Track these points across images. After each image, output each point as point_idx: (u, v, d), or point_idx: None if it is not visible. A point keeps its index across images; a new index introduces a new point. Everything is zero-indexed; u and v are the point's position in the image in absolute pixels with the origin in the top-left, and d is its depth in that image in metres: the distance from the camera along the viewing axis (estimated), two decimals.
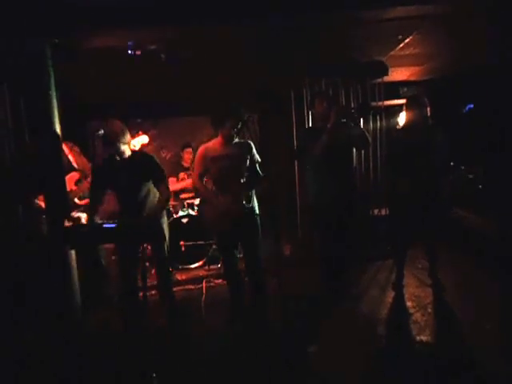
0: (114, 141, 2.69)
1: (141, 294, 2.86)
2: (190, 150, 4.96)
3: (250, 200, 2.98)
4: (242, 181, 2.95)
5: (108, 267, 3.76)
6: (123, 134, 2.73)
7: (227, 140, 2.93)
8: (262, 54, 3.84)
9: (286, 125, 5.11)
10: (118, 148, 2.74)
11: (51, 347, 2.49)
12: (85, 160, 3.40)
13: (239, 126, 2.88)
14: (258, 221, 3.05)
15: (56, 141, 2.60)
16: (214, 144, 3.00)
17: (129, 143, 2.82)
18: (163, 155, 5.73)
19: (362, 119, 4.50)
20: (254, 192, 3.07)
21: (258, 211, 3.06)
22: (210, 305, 3.41)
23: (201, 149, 3.02)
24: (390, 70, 4.55)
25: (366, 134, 3.36)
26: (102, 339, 2.82)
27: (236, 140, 2.98)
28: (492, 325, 2.75)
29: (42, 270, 2.64)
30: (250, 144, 3.03)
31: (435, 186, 3.25)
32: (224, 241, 3.11)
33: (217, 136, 3.00)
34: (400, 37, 3.54)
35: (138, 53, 3.03)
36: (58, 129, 2.60)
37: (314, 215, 3.52)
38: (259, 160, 3.07)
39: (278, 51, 3.78)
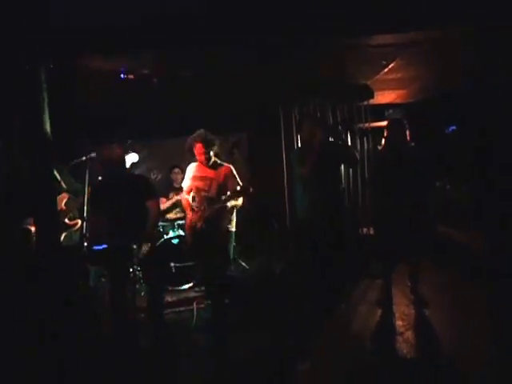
0: (112, 165, 2.80)
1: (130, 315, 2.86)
2: (177, 170, 4.99)
3: (219, 219, 3.14)
4: (212, 202, 3.13)
5: (96, 288, 3.70)
6: (120, 159, 2.86)
7: (203, 163, 3.23)
8: (252, 75, 3.95)
9: (275, 144, 5.19)
10: (115, 172, 2.82)
11: (42, 367, 2.42)
12: (73, 181, 3.41)
13: (212, 151, 3.17)
14: (230, 237, 3.23)
15: (48, 163, 2.61)
16: (197, 164, 3.32)
17: (125, 167, 2.93)
18: (153, 176, 5.74)
19: (349, 138, 4.65)
20: (233, 212, 3.25)
21: (233, 229, 3.26)
22: (201, 327, 3.37)
23: (189, 166, 3.40)
24: (376, 93, 4.72)
25: (354, 151, 3.49)
26: (89, 361, 2.75)
27: (218, 162, 3.27)
28: (481, 340, 2.79)
29: (32, 292, 2.59)
30: (229, 169, 3.25)
31: (417, 205, 3.34)
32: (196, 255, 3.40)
33: None
34: (384, 62, 3.70)
35: (131, 77, 3.09)
36: (49, 150, 2.60)
37: (301, 231, 3.58)
38: (239, 183, 3.20)
39: (268, 73, 3.89)
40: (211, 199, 3.14)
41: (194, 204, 3.24)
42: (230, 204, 3.11)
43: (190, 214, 3.27)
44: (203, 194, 3.19)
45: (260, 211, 5.33)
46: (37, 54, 2.52)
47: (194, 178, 3.29)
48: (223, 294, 3.25)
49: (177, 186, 4.97)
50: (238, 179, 3.27)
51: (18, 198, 2.87)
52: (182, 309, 3.78)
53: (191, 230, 3.26)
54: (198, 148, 3.16)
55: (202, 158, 3.18)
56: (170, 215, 4.75)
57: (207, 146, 3.15)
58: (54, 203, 2.70)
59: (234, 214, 3.31)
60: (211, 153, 3.19)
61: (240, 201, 3.24)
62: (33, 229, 2.90)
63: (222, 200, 3.08)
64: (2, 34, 2.48)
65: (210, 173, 3.23)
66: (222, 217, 3.18)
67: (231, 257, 3.29)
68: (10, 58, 2.54)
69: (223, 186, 3.18)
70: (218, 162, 3.30)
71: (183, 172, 4.90)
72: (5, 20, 2.46)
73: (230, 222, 3.26)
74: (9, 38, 2.48)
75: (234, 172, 3.27)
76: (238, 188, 3.09)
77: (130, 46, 2.75)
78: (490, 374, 2.43)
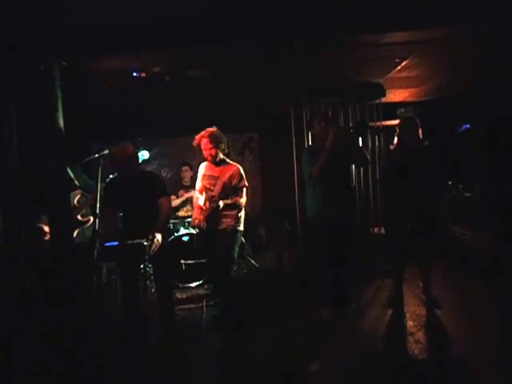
0: (124, 162, 2.82)
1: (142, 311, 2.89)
2: (187, 167, 5.01)
3: (217, 218, 3.12)
4: (217, 201, 3.09)
5: (109, 285, 3.75)
6: (132, 157, 2.87)
7: (210, 161, 3.23)
8: (263, 74, 3.95)
9: (286, 144, 5.18)
10: (127, 169, 2.84)
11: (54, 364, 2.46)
12: (86, 178, 3.45)
13: (218, 149, 3.15)
14: (235, 236, 3.18)
15: (61, 160, 2.64)
16: (207, 163, 3.31)
17: (138, 165, 2.94)
18: (164, 174, 5.78)
19: (360, 138, 4.61)
20: (240, 211, 3.22)
21: (240, 228, 3.23)
22: (210, 324, 3.38)
23: (200, 165, 3.38)
24: (388, 91, 4.67)
25: (365, 151, 3.45)
26: (100, 357, 2.78)
27: (226, 160, 3.24)
28: (493, 341, 2.77)
29: (46, 290, 2.63)
30: (235, 168, 3.21)
31: (429, 204, 3.30)
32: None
33: None
34: (397, 60, 3.66)
35: (143, 75, 3.11)
36: (63, 148, 2.64)
37: (311, 231, 3.56)
38: (246, 185, 3.23)
39: (279, 72, 3.88)
40: (215, 198, 3.13)
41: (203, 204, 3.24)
42: (222, 202, 3.09)
43: (197, 213, 3.25)
44: (209, 192, 3.18)
45: (271, 211, 5.33)
46: (50, 52, 2.56)
47: (203, 176, 3.29)
48: (231, 292, 3.23)
49: (185, 183, 5.00)
50: (245, 180, 3.24)
51: (31, 197, 2.91)
52: (191, 306, 3.81)
53: (197, 228, 3.34)
54: (205, 144, 3.15)
55: (207, 153, 3.17)
56: (181, 213, 4.78)
57: (213, 142, 3.13)
58: (68, 201, 2.73)
59: (242, 212, 3.28)
60: (217, 150, 3.17)
61: (243, 199, 3.22)
62: (46, 228, 2.94)
63: (215, 199, 3.09)
64: (16, 33, 2.52)
65: (216, 171, 3.22)
66: (220, 215, 3.15)
67: (235, 255, 3.22)
68: (24, 57, 2.58)
69: (228, 185, 3.16)
70: (226, 160, 3.27)
71: (192, 170, 4.95)
72: (18, 18, 2.49)
73: (237, 220, 3.23)
74: (22, 36, 2.51)
75: (242, 171, 3.23)
76: (233, 183, 3.13)
77: (141, 46, 2.76)
78: (502, 374, 2.40)
